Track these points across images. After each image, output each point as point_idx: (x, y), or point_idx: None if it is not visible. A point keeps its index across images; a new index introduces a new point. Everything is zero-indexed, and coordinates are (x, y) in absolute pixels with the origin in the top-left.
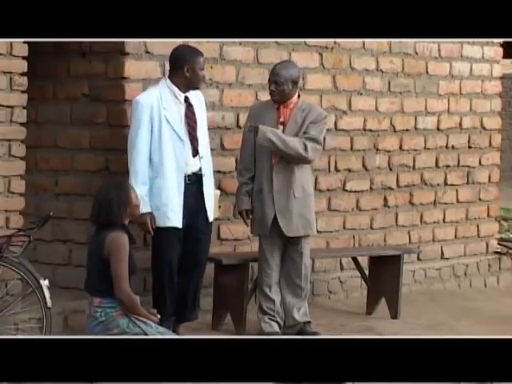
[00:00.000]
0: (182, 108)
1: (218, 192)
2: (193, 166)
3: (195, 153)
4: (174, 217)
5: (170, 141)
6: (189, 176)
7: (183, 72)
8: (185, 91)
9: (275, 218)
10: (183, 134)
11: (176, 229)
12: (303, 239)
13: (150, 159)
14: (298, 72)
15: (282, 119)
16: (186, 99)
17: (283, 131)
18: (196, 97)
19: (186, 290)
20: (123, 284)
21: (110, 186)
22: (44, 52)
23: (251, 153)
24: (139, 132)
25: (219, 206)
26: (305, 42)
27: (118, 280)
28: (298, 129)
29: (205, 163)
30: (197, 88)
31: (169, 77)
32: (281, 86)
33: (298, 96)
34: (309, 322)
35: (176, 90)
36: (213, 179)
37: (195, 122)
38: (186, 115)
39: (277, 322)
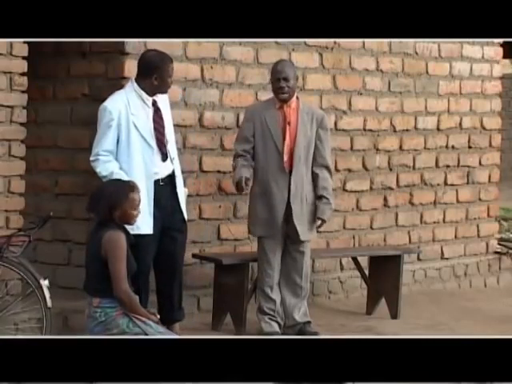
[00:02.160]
0: (150, 113)
1: (187, 190)
2: (165, 169)
3: (164, 157)
4: (143, 224)
5: (139, 147)
6: (163, 179)
7: (151, 79)
8: (152, 95)
9: (283, 221)
10: (152, 141)
11: (147, 235)
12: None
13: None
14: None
15: (288, 119)
16: (154, 103)
17: (289, 131)
18: (161, 97)
19: (170, 290)
20: (122, 283)
21: (113, 182)
22: (44, 52)
23: (249, 141)
24: (106, 135)
25: (219, 206)
26: (305, 42)
27: (116, 279)
28: (308, 132)
29: (176, 165)
30: (164, 93)
31: (136, 80)
32: (290, 82)
33: (296, 97)
34: (309, 322)
35: (143, 94)
36: (182, 179)
37: (163, 127)
38: (154, 120)
39: (277, 321)
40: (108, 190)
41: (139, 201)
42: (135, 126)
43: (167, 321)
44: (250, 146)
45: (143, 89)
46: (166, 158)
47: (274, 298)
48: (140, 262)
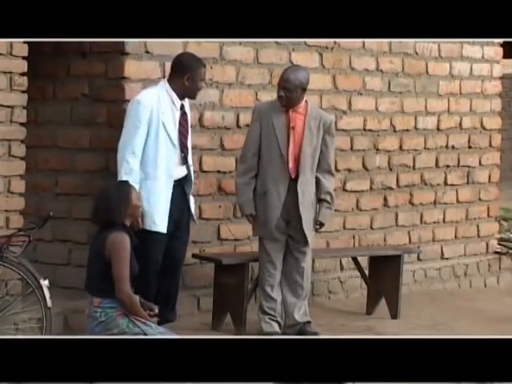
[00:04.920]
0: (178, 115)
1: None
2: (180, 172)
3: (184, 161)
4: (160, 222)
5: (164, 146)
6: (175, 181)
7: (183, 80)
8: (181, 98)
9: (285, 223)
10: (176, 141)
11: (161, 233)
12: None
13: (141, 161)
14: (307, 78)
15: (292, 124)
16: (182, 107)
17: (293, 136)
18: (186, 103)
19: (169, 290)
20: (124, 285)
21: (112, 185)
22: (44, 52)
23: (255, 152)
24: (138, 132)
25: (219, 206)
26: (305, 42)
27: (118, 281)
28: (314, 138)
29: (191, 170)
30: (192, 98)
31: (168, 81)
32: (290, 93)
33: (305, 101)
34: (309, 322)
35: (174, 96)
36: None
37: (187, 131)
38: (180, 123)
39: (277, 321)
40: (115, 193)
41: (139, 196)
42: (164, 125)
43: (160, 320)
44: (254, 173)
45: (174, 90)
46: (186, 161)
47: (275, 298)
48: (150, 260)
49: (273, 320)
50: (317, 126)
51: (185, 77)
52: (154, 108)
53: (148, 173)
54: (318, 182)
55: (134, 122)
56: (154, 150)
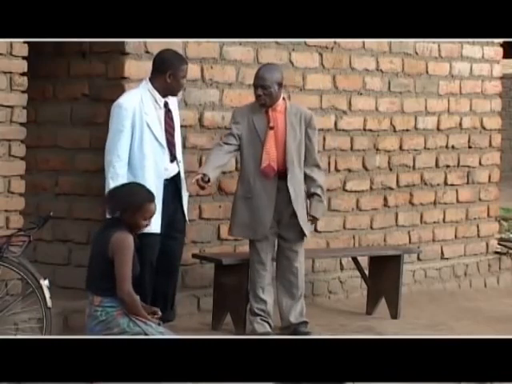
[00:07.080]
0: (162, 113)
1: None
2: (172, 171)
3: (172, 158)
4: (152, 223)
5: (151, 146)
6: (167, 180)
7: (165, 77)
8: (164, 96)
9: (275, 222)
10: (163, 140)
11: (154, 234)
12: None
13: (129, 164)
14: (282, 73)
15: (271, 124)
16: (166, 104)
17: (275, 135)
18: (172, 100)
19: (166, 290)
20: (126, 284)
21: (135, 185)
22: (44, 52)
23: (235, 138)
24: (121, 136)
25: (219, 206)
26: (305, 42)
27: (121, 280)
28: (298, 134)
29: (181, 167)
30: (174, 95)
31: (150, 79)
32: (267, 90)
33: (283, 98)
34: (304, 322)
35: (157, 94)
36: (185, 181)
37: (173, 129)
38: (165, 121)
39: (268, 322)
40: (126, 191)
41: (153, 213)
42: (148, 126)
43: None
44: (234, 141)
45: (156, 88)
46: (175, 159)
47: (265, 299)
48: (146, 262)
49: (264, 321)
50: (298, 121)
51: (166, 74)
52: (136, 110)
53: (137, 175)
54: (306, 177)
55: (117, 126)
56: (141, 152)
